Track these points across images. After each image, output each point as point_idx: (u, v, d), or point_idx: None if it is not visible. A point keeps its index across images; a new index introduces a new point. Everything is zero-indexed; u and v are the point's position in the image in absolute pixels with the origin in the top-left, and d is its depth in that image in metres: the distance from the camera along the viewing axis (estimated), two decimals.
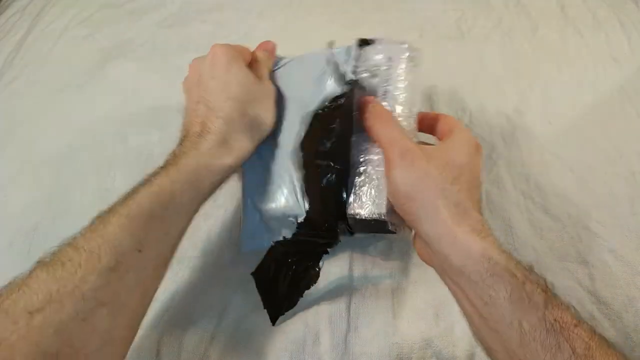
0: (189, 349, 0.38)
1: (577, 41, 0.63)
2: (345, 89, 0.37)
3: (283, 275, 0.36)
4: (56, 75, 0.63)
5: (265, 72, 0.40)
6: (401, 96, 0.36)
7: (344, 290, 0.41)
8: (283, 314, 0.37)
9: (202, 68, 0.38)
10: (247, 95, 0.36)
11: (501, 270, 0.27)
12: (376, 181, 0.34)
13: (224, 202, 0.47)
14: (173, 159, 0.33)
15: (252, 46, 0.68)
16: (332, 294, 0.41)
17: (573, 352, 0.24)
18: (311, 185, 0.36)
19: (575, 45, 0.63)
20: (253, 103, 0.36)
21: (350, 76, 0.38)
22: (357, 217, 0.34)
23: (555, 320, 0.25)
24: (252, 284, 0.41)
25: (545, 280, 0.27)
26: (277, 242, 0.37)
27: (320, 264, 0.36)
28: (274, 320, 0.37)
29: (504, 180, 0.48)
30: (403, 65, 0.37)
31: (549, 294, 0.26)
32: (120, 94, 0.60)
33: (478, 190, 0.32)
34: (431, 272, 0.42)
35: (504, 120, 0.54)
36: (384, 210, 0.33)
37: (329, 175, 0.35)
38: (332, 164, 0.35)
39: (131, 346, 0.38)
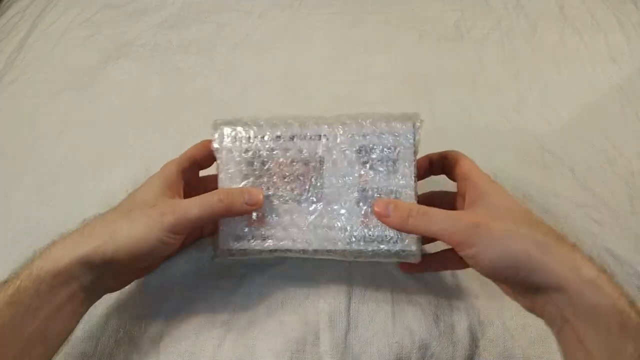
0: (190, 349, 0.38)
1: (576, 42, 0.63)
2: None
3: None
4: (57, 75, 0.63)
5: (197, 207, 0.33)
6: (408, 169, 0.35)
7: (344, 290, 0.41)
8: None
9: None
10: (132, 200, 0.34)
11: (635, 326, 0.25)
12: None
13: None
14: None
15: (253, 48, 0.68)
16: (332, 293, 0.41)
17: None
18: None
19: (574, 46, 0.63)
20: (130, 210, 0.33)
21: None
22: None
23: None
24: (252, 283, 0.42)
25: None
26: None
27: None
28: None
29: (503, 181, 0.48)
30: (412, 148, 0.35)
31: None
32: (120, 94, 0.60)
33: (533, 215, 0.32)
34: (430, 272, 0.42)
35: (504, 121, 0.54)
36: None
37: None
38: None
39: (133, 348, 0.38)
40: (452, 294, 0.40)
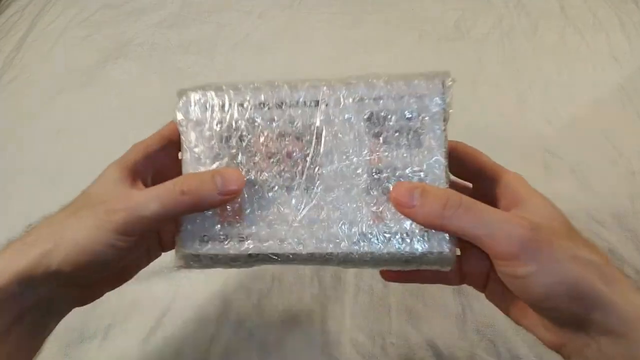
0: (190, 350, 0.38)
1: (577, 41, 0.63)
2: None
3: None
4: (56, 75, 0.63)
5: (157, 200, 0.24)
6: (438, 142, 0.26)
7: (343, 290, 0.41)
8: None
9: None
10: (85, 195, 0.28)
11: None
12: None
13: None
14: None
15: (253, 48, 0.68)
16: (331, 294, 0.41)
17: None
18: None
19: (575, 45, 0.63)
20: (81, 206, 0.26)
21: None
22: None
23: None
24: (253, 285, 0.41)
25: None
26: None
27: None
28: None
29: None
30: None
31: None
32: (119, 94, 0.60)
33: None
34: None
35: (504, 120, 0.54)
36: None
37: None
38: None
39: (133, 349, 0.38)
40: (452, 295, 0.40)
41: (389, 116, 0.27)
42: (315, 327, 0.39)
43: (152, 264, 0.42)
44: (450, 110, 0.26)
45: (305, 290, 0.41)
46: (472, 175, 0.29)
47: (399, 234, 0.26)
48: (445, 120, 0.26)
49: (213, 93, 0.28)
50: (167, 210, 0.24)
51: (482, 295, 0.40)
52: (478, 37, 0.65)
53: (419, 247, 0.25)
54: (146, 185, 0.28)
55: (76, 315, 0.39)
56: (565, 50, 0.62)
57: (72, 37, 0.68)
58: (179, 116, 0.28)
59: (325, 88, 0.27)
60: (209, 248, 0.27)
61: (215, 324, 0.39)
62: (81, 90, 0.60)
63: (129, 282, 0.41)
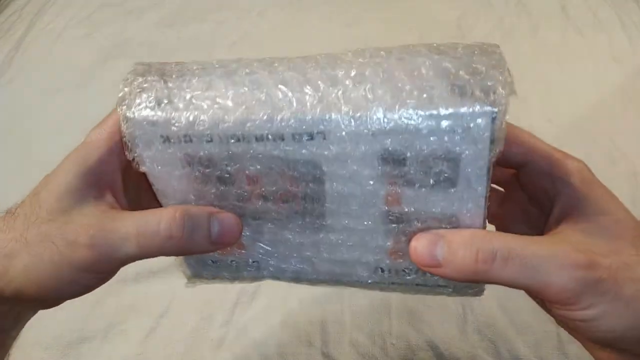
0: (189, 351, 0.38)
1: (578, 41, 0.63)
2: None
3: None
4: (55, 74, 0.62)
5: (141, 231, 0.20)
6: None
7: (344, 292, 0.41)
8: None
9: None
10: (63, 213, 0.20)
11: None
12: None
13: None
14: None
15: (252, 47, 0.67)
16: (331, 295, 0.41)
17: None
18: None
19: (576, 45, 0.63)
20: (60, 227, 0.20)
21: None
22: None
23: None
24: (253, 286, 0.41)
25: None
26: None
27: None
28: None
29: None
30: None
31: None
32: (119, 93, 0.60)
33: None
34: None
35: None
36: None
37: None
38: None
39: (132, 350, 0.38)
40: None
41: (413, 157, 0.19)
42: (315, 327, 0.39)
43: (151, 264, 0.42)
44: (499, 147, 0.18)
45: (306, 291, 0.41)
46: (518, 162, 0.22)
47: (420, 271, 0.22)
48: (492, 154, 0.18)
49: (165, 115, 0.20)
50: (147, 254, 0.20)
51: (483, 295, 0.40)
52: (479, 36, 0.65)
53: (443, 281, 0.22)
54: (115, 192, 0.22)
55: (76, 316, 0.39)
56: (566, 50, 0.62)
57: (71, 36, 0.68)
58: (136, 152, 0.21)
59: (319, 113, 0.19)
60: (213, 273, 0.25)
61: (214, 325, 0.39)
62: (80, 90, 0.60)
63: (129, 282, 0.41)
